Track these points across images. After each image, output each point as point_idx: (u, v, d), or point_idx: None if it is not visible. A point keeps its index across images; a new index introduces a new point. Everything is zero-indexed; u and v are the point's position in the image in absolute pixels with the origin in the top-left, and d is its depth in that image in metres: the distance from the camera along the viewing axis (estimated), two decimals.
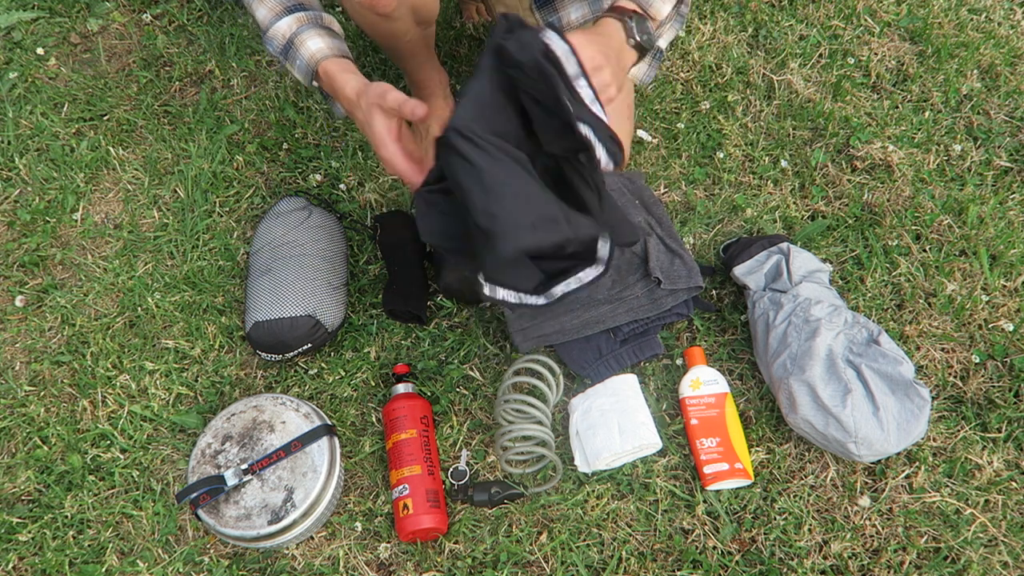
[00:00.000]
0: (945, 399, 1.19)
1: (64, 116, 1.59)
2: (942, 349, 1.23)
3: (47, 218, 1.46)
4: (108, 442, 1.23)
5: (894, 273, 1.30)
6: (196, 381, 1.28)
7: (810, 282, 1.20)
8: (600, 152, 0.88)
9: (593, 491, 1.14)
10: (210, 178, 1.48)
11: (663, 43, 1.12)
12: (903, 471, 1.13)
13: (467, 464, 1.18)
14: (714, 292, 1.31)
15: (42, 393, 1.28)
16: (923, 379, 1.21)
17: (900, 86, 1.54)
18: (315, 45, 1.07)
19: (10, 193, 1.50)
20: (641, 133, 1.48)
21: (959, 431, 1.16)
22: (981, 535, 1.08)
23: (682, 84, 1.56)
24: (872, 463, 1.14)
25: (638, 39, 1.05)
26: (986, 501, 1.11)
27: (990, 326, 1.25)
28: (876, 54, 1.58)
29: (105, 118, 1.59)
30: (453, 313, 1.31)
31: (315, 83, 1.10)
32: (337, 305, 1.27)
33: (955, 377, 1.21)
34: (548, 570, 1.09)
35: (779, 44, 1.60)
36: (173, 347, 1.31)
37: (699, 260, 1.34)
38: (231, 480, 1.09)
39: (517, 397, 1.14)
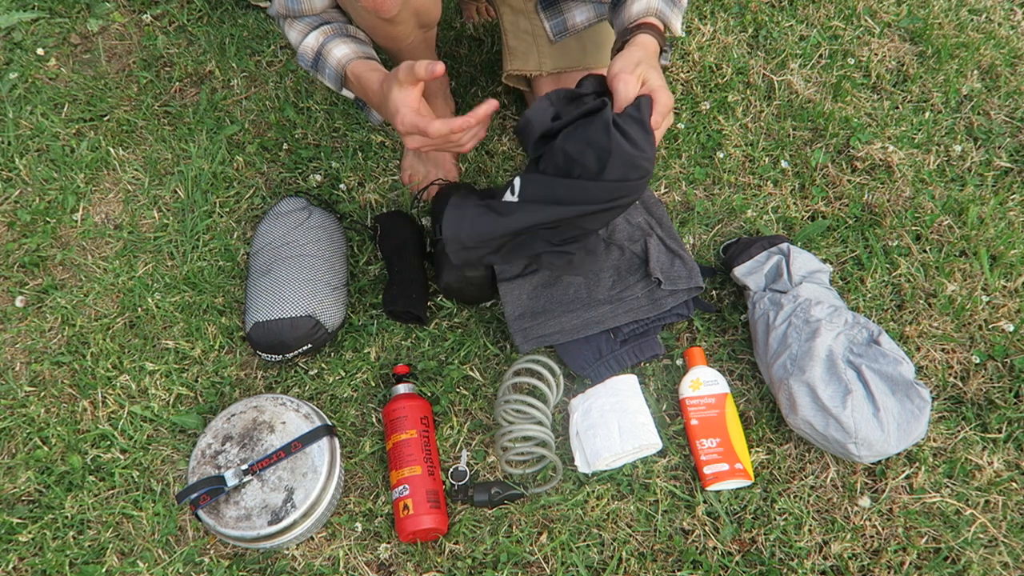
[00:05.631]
0: (945, 399, 1.19)
1: (64, 116, 1.59)
2: (942, 350, 1.23)
3: (47, 219, 1.46)
4: (108, 442, 1.23)
5: (894, 274, 1.30)
6: (196, 381, 1.28)
7: (810, 283, 1.20)
8: None
9: (593, 491, 1.14)
10: (210, 178, 1.48)
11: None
12: (903, 472, 1.13)
13: (467, 464, 1.17)
14: (714, 292, 1.31)
15: (42, 393, 1.28)
16: (923, 379, 1.21)
17: (900, 86, 1.54)
18: (340, 52, 1.14)
19: (10, 193, 1.50)
20: None
21: (959, 432, 1.16)
22: (981, 536, 1.08)
23: (682, 84, 1.56)
24: (872, 464, 1.14)
25: (665, 61, 1.11)
26: (986, 502, 1.11)
27: (990, 327, 1.25)
28: (876, 54, 1.58)
29: (105, 118, 1.59)
30: (453, 313, 1.31)
31: (346, 91, 1.17)
32: (337, 305, 1.27)
33: (955, 378, 1.21)
34: (548, 570, 1.09)
35: (779, 44, 1.60)
36: (173, 347, 1.31)
37: (699, 260, 1.34)
38: (231, 480, 1.09)
39: (517, 397, 1.14)
